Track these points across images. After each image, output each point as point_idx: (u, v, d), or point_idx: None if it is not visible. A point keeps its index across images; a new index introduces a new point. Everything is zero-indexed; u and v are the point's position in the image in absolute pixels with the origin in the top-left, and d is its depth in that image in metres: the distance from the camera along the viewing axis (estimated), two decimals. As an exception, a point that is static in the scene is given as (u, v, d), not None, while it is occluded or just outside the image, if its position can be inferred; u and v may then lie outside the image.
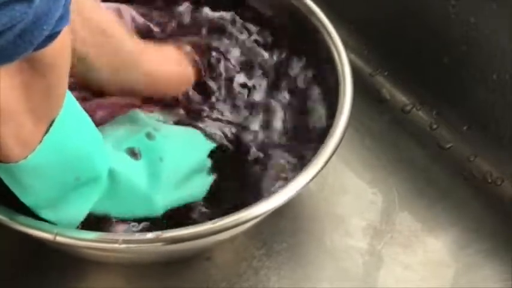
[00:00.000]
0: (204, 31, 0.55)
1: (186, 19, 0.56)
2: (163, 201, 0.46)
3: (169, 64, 0.51)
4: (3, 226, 0.41)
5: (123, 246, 0.40)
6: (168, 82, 0.51)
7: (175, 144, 0.47)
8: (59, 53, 0.35)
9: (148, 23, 0.54)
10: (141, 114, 0.49)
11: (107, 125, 0.48)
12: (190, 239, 0.41)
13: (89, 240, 0.40)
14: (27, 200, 0.41)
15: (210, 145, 0.50)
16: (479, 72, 0.57)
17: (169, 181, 0.46)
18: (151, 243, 0.41)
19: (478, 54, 0.56)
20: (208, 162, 0.49)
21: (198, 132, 0.50)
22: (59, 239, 0.40)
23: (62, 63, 0.36)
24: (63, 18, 0.33)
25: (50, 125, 0.38)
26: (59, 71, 0.36)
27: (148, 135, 0.47)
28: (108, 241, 0.41)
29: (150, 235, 0.41)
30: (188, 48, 0.52)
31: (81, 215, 0.43)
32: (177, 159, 0.47)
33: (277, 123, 0.53)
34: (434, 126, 0.61)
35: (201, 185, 0.48)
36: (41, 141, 0.38)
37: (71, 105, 0.39)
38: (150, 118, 0.49)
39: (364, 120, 0.61)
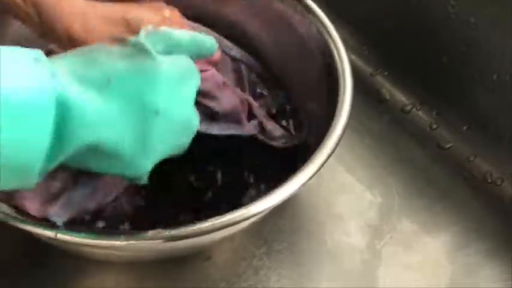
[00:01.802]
0: None
1: None
2: (151, 163, 0.39)
3: None
4: (4, 226, 0.41)
5: (125, 243, 0.40)
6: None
7: (171, 92, 0.38)
8: None
9: None
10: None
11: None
12: (190, 236, 0.41)
13: (90, 237, 0.40)
14: None
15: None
16: (478, 72, 0.57)
17: (160, 141, 0.38)
18: (152, 240, 0.41)
19: (478, 54, 0.57)
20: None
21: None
22: (60, 236, 0.40)
23: None
24: None
25: None
26: None
27: (141, 77, 0.37)
28: (110, 238, 0.41)
29: (151, 232, 0.41)
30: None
31: None
32: (172, 113, 0.38)
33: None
34: (434, 126, 0.61)
35: (188, 139, 0.41)
36: None
37: None
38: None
39: (364, 120, 0.61)
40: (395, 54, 0.63)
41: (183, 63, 0.40)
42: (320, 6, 0.54)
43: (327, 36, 0.53)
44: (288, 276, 0.52)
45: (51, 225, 0.41)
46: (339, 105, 0.48)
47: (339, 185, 0.57)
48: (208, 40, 0.43)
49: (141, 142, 0.37)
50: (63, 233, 0.40)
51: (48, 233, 0.40)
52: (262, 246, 0.53)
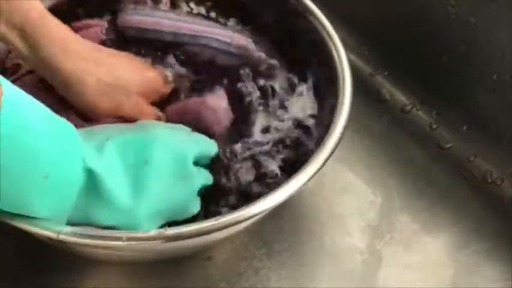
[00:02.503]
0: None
1: None
2: (146, 211, 0.43)
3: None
4: (4, 226, 0.41)
5: (126, 243, 0.40)
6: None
7: (163, 146, 0.45)
8: None
9: None
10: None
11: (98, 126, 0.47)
12: (192, 236, 0.41)
13: (92, 238, 0.41)
14: None
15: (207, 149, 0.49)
16: (478, 72, 0.57)
17: (153, 188, 0.44)
18: (154, 240, 0.41)
19: (478, 54, 0.57)
20: (197, 171, 0.46)
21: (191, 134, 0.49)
22: (62, 237, 0.40)
23: None
24: None
25: None
26: None
27: (136, 135, 0.45)
28: (112, 239, 0.41)
29: (152, 232, 0.41)
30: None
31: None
32: (163, 164, 0.44)
33: (277, 123, 0.53)
34: (434, 126, 0.61)
35: (187, 196, 0.46)
36: None
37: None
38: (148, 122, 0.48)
39: (364, 120, 0.61)
40: (395, 54, 0.63)
41: (179, 128, 0.48)
42: (319, 6, 0.54)
43: (325, 36, 0.53)
44: (289, 276, 0.52)
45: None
46: (339, 105, 0.48)
47: (339, 186, 0.57)
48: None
49: (133, 185, 0.43)
50: (65, 234, 0.40)
51: (50, 234, 0.41)
52: (262, 247, 0.53)
